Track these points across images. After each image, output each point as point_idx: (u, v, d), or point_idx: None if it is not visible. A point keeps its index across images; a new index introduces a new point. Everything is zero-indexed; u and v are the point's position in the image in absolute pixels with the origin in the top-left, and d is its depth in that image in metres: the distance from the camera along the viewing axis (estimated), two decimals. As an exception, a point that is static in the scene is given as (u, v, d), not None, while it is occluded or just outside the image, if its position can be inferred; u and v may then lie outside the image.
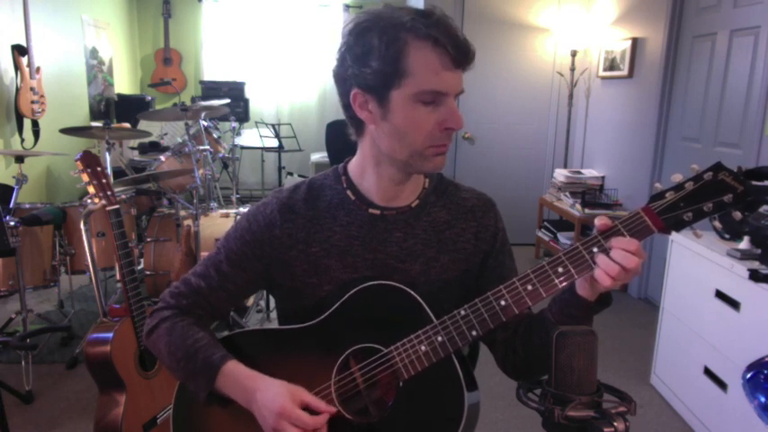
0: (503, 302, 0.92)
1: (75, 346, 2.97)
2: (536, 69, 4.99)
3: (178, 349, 1.04)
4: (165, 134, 5.05)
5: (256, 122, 5.35)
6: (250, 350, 1.08)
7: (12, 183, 2.95)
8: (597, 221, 0.90)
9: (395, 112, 0.96)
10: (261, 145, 5.14)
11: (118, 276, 2.04)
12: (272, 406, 0.94)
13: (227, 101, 4.45)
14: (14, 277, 2.74)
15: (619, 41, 4.25)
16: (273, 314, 3.45)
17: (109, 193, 2.00)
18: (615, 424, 0.76)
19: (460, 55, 0.93)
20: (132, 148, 4.73)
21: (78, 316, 3.42)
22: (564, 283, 0.90)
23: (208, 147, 3.72)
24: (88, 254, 2.55)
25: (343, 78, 0.99)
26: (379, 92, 0.95)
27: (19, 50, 3.95)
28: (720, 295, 2.25)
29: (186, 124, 3.86)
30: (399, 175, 1.04)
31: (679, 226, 0.87)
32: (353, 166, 1.10)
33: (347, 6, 6.25)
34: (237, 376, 1.00)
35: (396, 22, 0.93)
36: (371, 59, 0.93)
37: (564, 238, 4.42)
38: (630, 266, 0.84)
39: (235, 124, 5.10)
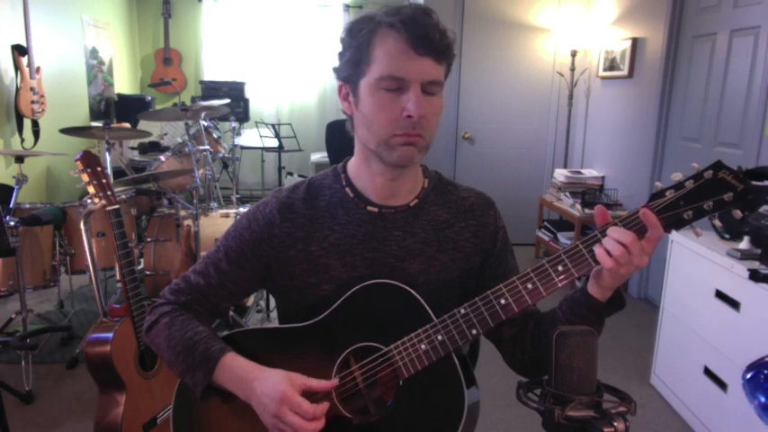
0: (503, 301, 0.93)
1: (75, 346, 2.97)
2: (536, 69, 4.98)
3: (177, 343, 1.05)
4: (165, 134, 5.06)
5: (256, 122, 5.35)
6: (250, 349, 1.07)
7: (12, 183, 2.95)
8: (596, 210, 0.92)
9: (363, 100, 0.99)
10: (261, 145, 5.14)
11: (118, 276, 2.04)
12: (272, 393, 0.94)
13: (227, 101, 4.46)
14: (14, 277, 2.74)
15: (619, 41, 4.25)
16: (273, 314, 3.45)
17: (109, 193, 2.00)
18: (615, 424, 0.76)
19: (422, 41, 0.94)
20: (132, 148, 4.73)
21: (78, 316, 3.42)
22: (564, 282, 0.90)
23: (208, 147, 3.72)
24: (88, 254, 2.55)
25: (336, 74, 1.05)
26: (352, 81, 1.01)
27: (19, 50, 3.95)
28: (720, 295, 2.25)
29: (186, 124, 3.86)
30: (388, 171, 1.04)
31: (679, 224, 0.87)
32: (352, 164, 1.11)
33: (347, 6, 6.25)
34: (236, 368, 1.00)
35: (370, 16, 0.98)
36: (346, 51, 1.00)
37: (564, 238, 4.42)
38: (627, 241, 0.85)
39: (235, 124, 5.10)
